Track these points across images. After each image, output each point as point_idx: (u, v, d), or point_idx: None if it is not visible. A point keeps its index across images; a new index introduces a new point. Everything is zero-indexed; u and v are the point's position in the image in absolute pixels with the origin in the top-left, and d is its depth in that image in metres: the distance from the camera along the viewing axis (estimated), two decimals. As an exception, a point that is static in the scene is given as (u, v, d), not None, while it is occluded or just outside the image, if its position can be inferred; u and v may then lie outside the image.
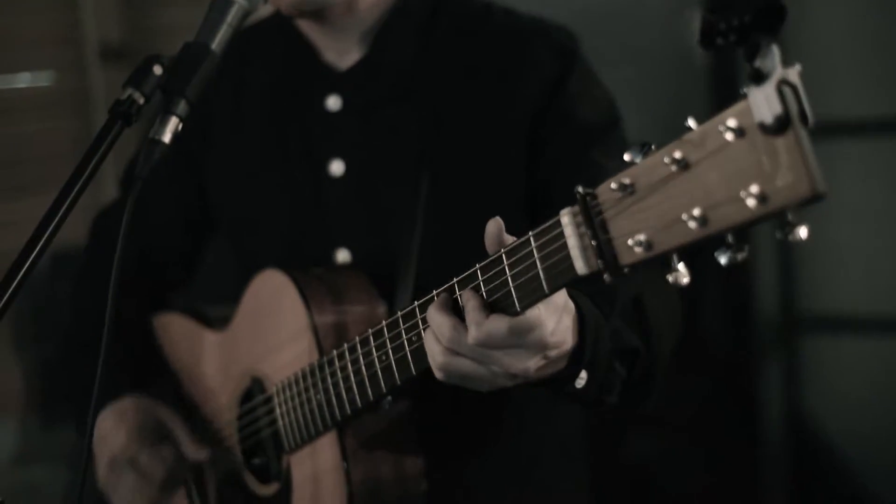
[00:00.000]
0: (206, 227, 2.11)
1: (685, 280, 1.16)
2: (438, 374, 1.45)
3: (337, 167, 1.88)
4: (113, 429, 1.92)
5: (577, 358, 1.46)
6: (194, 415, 2.00)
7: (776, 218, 1.06)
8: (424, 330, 1.46)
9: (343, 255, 1.88)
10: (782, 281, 3.90)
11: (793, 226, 1.06)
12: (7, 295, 1.43)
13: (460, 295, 1.40)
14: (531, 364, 1.38)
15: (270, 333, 1.84)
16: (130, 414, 1.93)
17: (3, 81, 3.50)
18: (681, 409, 3.79)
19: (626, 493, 3.70)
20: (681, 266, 1.15)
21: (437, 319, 1.40)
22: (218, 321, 2.02)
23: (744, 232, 1.09)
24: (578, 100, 1.81)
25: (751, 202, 1.05)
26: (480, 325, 1.36)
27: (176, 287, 2.19)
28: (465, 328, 1.37)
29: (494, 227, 1.36)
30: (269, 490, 1.86)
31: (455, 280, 1.42)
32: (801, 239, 1.07)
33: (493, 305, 1.37)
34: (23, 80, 3.53)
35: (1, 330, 3.58)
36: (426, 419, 1.76)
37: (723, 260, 1.11)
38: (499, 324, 1.35)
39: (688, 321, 1.79)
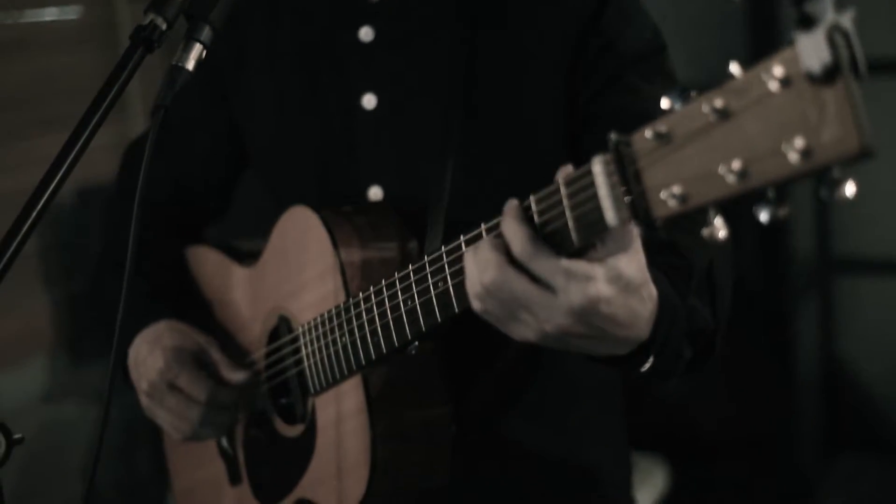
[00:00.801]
0: (239, 158, 2.06)
1: (721, 235, 1.11)
2: (476, 301, 1.33)
3: (369, 100, 1.82)
4: (149, 354, 1.87)
5: (647, 347, 1.37)
6: (223, 349, 1.96)
7: (820, 174, 1.00)
8: (467, 250, 1.36)
9: (376, 193, 1.82)
10: (818, 222, 3.85)
11: (838, 183, 1.00)
12: (25, 229, 1.40)
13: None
14: (565, 323, 1.26)
15: (298, 272, 1.80)
16: (166, 338, 1.88)
17: (30, 15, 3.46)
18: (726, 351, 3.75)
19: (660, 431, 3.67)
20: (717, 220, 1.10)
21: (512, 228, 1.28)
22: (249, 256, 1.99)
23: (785, 187, 1.04)
24: (620, 27, 1.73)
25: (793, 157, 0.99)
26: (529, 241, 1.26)
27: (210, 219, 2.16)
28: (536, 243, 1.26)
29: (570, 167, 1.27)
30: (294, 431, 1.84)
31: (484, 226, 1.36)
32: (846, 197, 1.01)
33: None
34: (50, 13, 3.49)
35: (29, 266, 3.59)
36: (455, 365, 1.72)
37: (763, 217, 1.06)
38: (549, 253, 1.25)
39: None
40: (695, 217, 1.11)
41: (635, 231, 1.22)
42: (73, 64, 3.46)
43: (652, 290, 1.31)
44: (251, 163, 2.05)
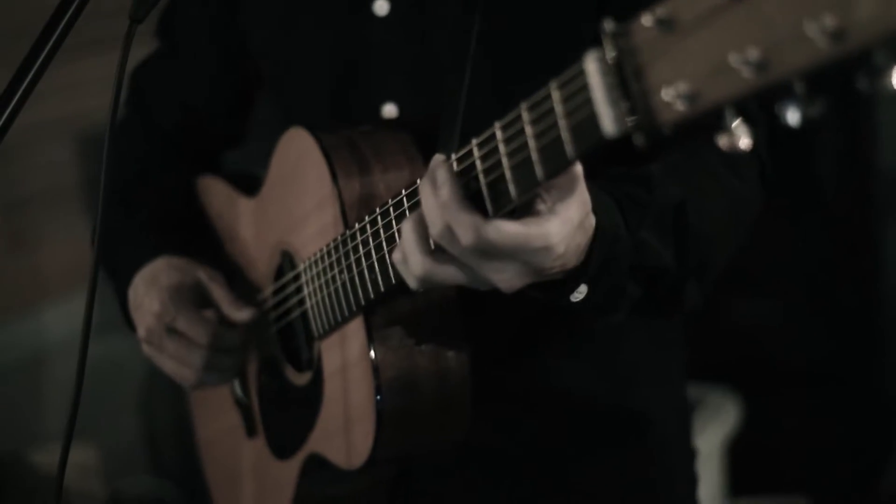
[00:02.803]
0: (251, 80, 1.90)
1: (743, 144, 0.91)
2: (413, 283, 1.29)
3: (381, 6, 1.64)
4: (145, 296, 1.74)
5: (577, 273, 1.28)
6: (230, 284, 1.81)
7: (858, 60, 0.80)
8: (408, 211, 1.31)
9: (390, 110, 1.65)
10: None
11: (881, 71, 0.80)
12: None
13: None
14: (521, 283, 1.23)
15: (297, 202, 1.64)
16: (163, 276, 1.74)
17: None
18: (793, 270, 3.53)
19: (729, 362, 3.47)
20: (736, 125, 0.90)
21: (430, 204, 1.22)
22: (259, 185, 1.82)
23: (817, 78, 0.84)
24: None
25: (822, 41, 0.79)
26: (480, 230, 1.17)
27: (224, 146, 2.01)
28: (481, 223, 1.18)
29: None
30: (302, 379, 1.68)
31: (476, 141, 1.19)
32: (894, 89, 0.81)
33: (510, 177, 1.15)
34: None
35: (74, 197, 3.49)
36: (474, 302, 1.52)
37: (791, 118, 0.86)
38: (504, 233, 1.17)
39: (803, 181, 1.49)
40: (706, 122, 0.91)
41: (579, 169, 1.15)
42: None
43: (591, 220, 1.25)
44: (263, 85, 1.89)
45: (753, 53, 0.83)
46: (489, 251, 1.19)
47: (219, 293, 1.73)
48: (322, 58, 1.71)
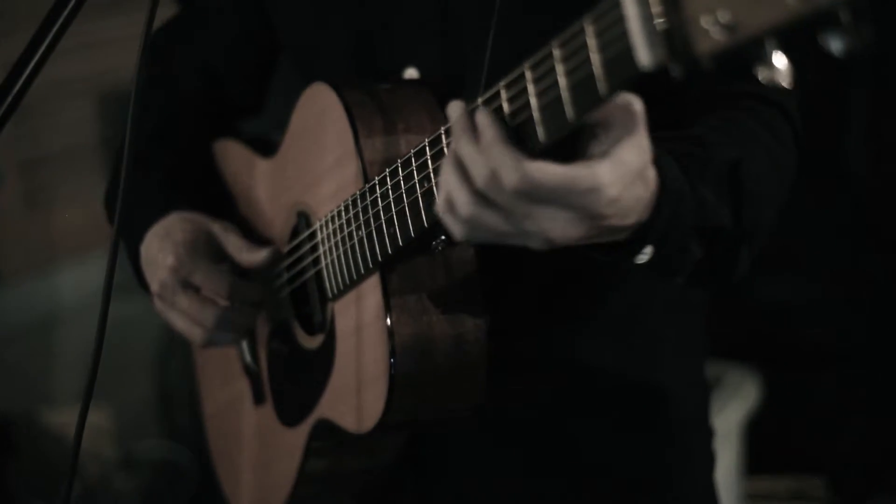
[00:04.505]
0: (271, 44, 1.88)
1: (784, 80, 0.87)
2: (460, 231, 1.22)
3: None
4: (159, 251, 1.70)
5: (644, 231, 1.24)
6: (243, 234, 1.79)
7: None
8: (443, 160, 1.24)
9: (411, 75, 1.63)
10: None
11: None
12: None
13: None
14: (575, 233, 1.17)
15: (316, 161, 1.61)
16: (177, 231, 1.71)
17: None
18: (818, 247, 3.48)
19: (751, 339, 3.43)
20: (778, 58, 0.86)
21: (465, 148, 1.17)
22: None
23: (865, 6, 0.80)
24: None
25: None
26: (524, 169, 1.12)
27: (242, 112, 1.99)
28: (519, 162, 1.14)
29: None
30: (314, 343, 1.65)
31: (503, 83, 1.17)
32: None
33: (539, 118, 1.12)
34: None
35: (90, 156, 3.47)
36: (494, 265, 1.51)
37: (835, 47, 0.82)
38: (548, 173, 1.12)
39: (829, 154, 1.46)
40: (748, 53, 0.87)
41: (640, 109, 1.11)
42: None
43: (652, 172, 1.20)
44: (283, 49, 1.88)
45: (799, -24, 0.80)
46: (534, 193, 1.14)
47: (233, 242, 1.71)
48: (343, 22, 1.69)
